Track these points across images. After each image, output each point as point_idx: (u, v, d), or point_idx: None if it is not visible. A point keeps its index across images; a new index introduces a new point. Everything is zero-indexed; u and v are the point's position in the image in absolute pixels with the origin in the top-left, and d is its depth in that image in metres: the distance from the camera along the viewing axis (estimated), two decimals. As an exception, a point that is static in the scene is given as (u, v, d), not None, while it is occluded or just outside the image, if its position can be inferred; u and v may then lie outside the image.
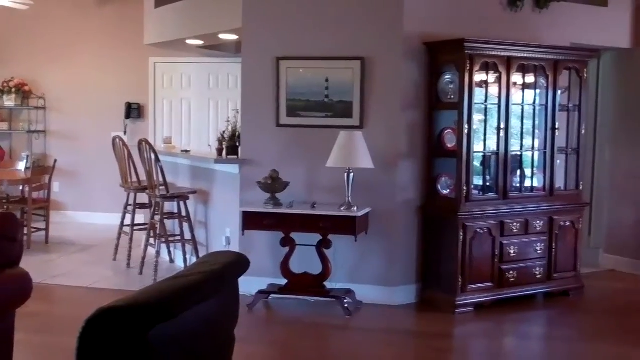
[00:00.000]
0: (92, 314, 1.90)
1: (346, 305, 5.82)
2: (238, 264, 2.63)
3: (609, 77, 7.86)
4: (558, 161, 6.54)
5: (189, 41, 8.02)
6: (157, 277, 6.60)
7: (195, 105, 9.80)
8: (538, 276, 6.31)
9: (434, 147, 6.19)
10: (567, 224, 6.46)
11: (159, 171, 6.70)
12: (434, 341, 5.43)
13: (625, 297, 6.78)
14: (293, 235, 5.94)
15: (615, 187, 7.69)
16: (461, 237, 5.86)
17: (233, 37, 7.24)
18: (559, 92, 6.41)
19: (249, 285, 5.99)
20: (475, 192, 6.06)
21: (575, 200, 6.58)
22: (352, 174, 5.76)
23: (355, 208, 5.76)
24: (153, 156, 6.70)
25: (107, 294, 6.20)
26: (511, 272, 6.14)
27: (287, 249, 5.97)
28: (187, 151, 7.60)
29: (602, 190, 7.93)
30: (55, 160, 8.71)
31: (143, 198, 7.57)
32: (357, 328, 5.64)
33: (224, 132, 6.64)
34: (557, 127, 6.36)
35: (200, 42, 8.14)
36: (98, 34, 10.10)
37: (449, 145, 6.11)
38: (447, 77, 6.06)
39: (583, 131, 6.63)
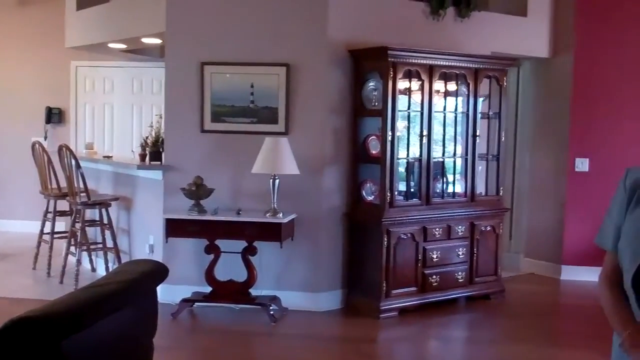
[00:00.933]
0: (4, 324, 1.86)
1: (272, 312, 5.80)
2: (156, 272, 2.60)
3: (528, 85, 8.08)
4: (480, 167, 6.69)
5: (111, 45, 7.88)
6: (78, 286, 6.44)
7: (118, 110, 9.62)
8: (460, 280, 6.43)
9: (358, 153, 6.24)
10: (488, 228, 6.60)
11: (80, 177, 6.55)
12: (358, 346, 5.47)
13: (545, 300, 6.98)
14: (218, 242, 5.89)
15: (535, 192, 7.91)
16: (385, 242, 5.92)
17: (157, 41, 7.14)
18: (480, 99, 6.56)
19: (173, 293, 5.93)
20: (399, 198, 6.14)
21: (495, 205, 6.73)
22: (277, 180, 5.75)
23: (281, 214, 5.76)
24: (74, 162, 6.56)
25: (26, 303, 6.00)
26: (434, 277, 6.24)
27: (211, 256, 5.92)
28: (109, 157, 7.45)
29: (522, 195, 8.14)
30: (-29, 166, 8.42)
31: (63, 205, 7.38)
32: (283, 335, 5.63)
33: (147, 137, 6.54)
34: (477, 134, 6.50)
35: (123, 46, 8.00)
36: (18, 35, 9.79)
37: (374, 152, 6.17)
38: (371, 84, 6.12)
39: (503, 138, 6.79)
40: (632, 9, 7.30)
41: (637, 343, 2.01)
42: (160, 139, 6.36)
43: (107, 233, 6.93)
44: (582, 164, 7.44)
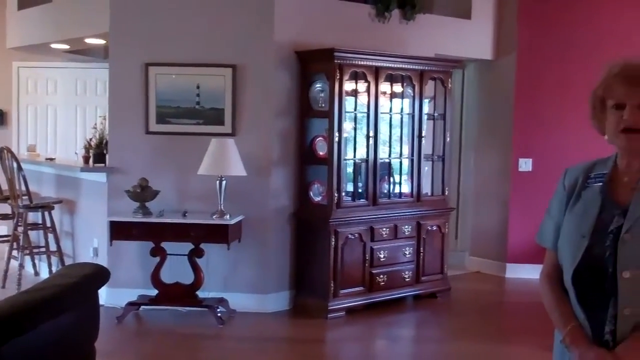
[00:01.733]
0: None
1: (219, 315, 5.76)
2: (97, 275, 2.55)
3: (473, 87, 8.20)
4: (426, 168, 6.76)
5: (54, 45, 7.73)
6: (21, 290, 6.30)
7: (61, 111, 9.43)
8: (407, 279, 6.49)
9: (306, 154, 6.25)
10: (434, 228, 6.68)
11: (22, 180, 6.42)
12: (306, 347, 5.48)
13: (489, 298, 7.09)
14: (164, 244, 5.83)
15: (479, 192, 8.03)
16: (333, 243, 5.94)
17: (100, 41, 7.04)
18: (425, 101, 6.63)
19: (118, 296, 5.87)
20: (346, 198, 6.17)
21: (441, 205, 6.81)
22: (224, 182, 5.72)
23: (228, 216, 5.73)
24: (15, 164, 6.43)
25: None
26: (381, 276, 6.28)
27: (157, 259, 5.85)
28: (52, 159, 7.32)
29: (467, 195, 8.26)
30: None
31: (5, 208, 7.22)
32: (230, 337, 5.60)
33: (90, 139, 6.45)
34: (423, 135, 6.57)
35: (66, 47, 7.86)
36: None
37: (321, 153, 6.18)
38: (318, 85, 6.14)
39: (448, 139, 6.88)
40: (573, 13, 7.46)
41: (577, 339, 2.06)
42: (104, 140, 6.28)
43: (50, 236, 6.81)
44: (526, 164, 7.58)
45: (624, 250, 1.99)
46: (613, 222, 2.04)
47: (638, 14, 7.24)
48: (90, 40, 7.17)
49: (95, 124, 6.69)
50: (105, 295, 6.06)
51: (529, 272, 7.09)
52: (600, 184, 2.12)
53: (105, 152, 6.26)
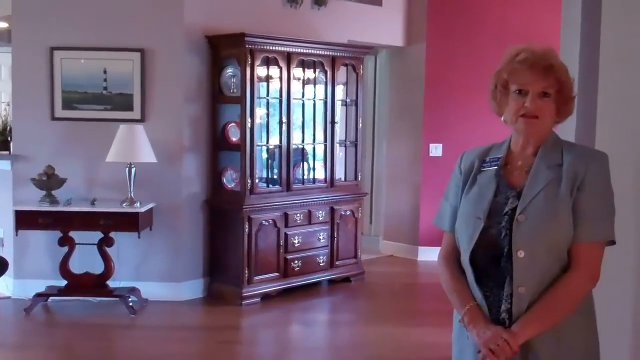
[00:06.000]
0: None
1: (130, 304, 5.67)
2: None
3: (385, 73, 8.29)
4: (340, 154, 6.81)
5: (-47, 28, 7.42)
6: None
7: (-37, 97, 9.06)
8: (321, 264, 6.53)
9: (218, 140, 6.20)
10: (348, 213, 6.74)
11: None
12: (220, 334, 5.46)
13: (403, 281, 7.21)
14: (72, 234, 5.70)
15: (392, 177, 8.14)
16: (246, 229, 5.92)
17: (3, 24, 6.78)
18: (340, 86, 6.67)
19: (26, 288, 5.76)
20: (260, 184, 6.16)
21: (354, 190, 6.88)
22: (134, 169, 5.63)
23: (138, 204, 5.64)
24: None
25: None
26: (296, 262, 6.30)
27: (65, 249, 5.72)
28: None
29: (380, 180, 8.37)
30: None
31: None
32: (143, 326, 5.53)
33: (-7, 126, 6.24)
34: (336, 120, 6.62)
35: (-34, 30, 7.55)
36: None
37: (233, 139, 6.14)
38: (229, 70, 6.08)
39: (360, 125, 6.94)
40: (480, 1, 7.63)
41: (475, 318, 2.13)
42: (9, 127, 6.09)
43: (-48, 228, 6.54)
44: (436, 149, 7.72)
45: (519, 230, 2.06)
46: (508, 204, 2.11)
47: (542, 3, 7.45)
48: (-8, 23, 6.92)
49: (-1, 110, 6.48)
50: (12, 286, 5.90)
51: (440, 255, 7.25)
52: (495, 167, 2.18)
53: (9, 139, 6.09)
